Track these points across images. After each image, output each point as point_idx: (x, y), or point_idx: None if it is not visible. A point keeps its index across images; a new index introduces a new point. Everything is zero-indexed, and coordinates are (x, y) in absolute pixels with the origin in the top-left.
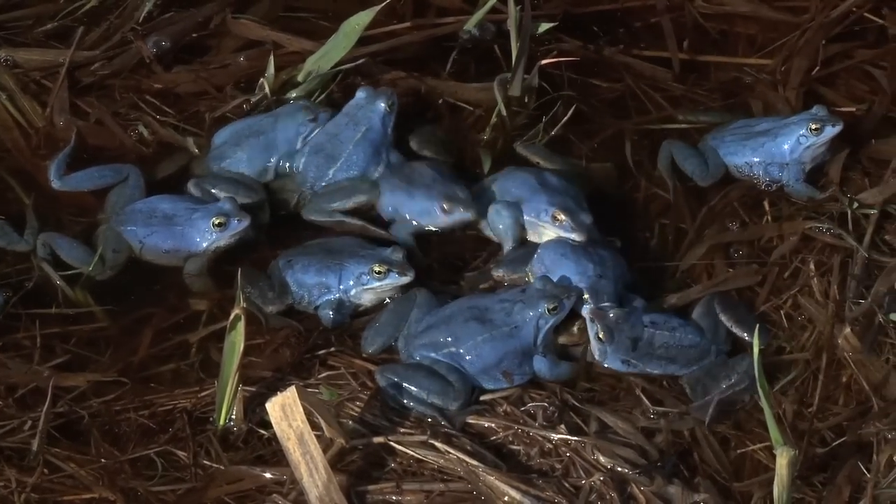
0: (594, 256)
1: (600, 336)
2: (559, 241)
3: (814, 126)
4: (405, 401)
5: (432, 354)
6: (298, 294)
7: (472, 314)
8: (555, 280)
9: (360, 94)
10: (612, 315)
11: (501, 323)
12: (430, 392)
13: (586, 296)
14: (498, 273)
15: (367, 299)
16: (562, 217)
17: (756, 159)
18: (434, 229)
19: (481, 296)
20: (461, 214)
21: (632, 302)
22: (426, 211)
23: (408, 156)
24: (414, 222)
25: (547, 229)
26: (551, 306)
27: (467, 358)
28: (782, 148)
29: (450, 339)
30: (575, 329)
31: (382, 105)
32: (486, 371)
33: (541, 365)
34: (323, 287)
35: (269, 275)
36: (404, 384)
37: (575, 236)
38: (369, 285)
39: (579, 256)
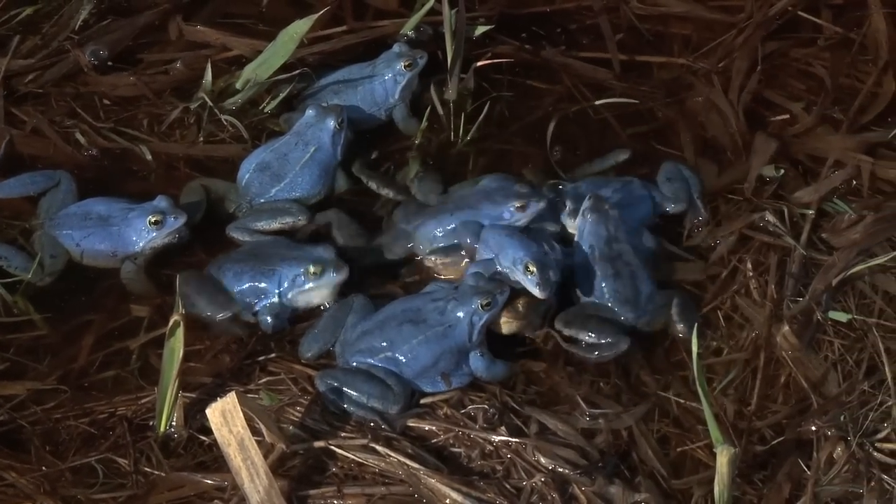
0: (538, 239)
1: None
2: (502, 225)
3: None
4: (345, 405)
5: (369, 360)
6: (236, 302)
7: (405, 317)
8: (503, 258)
9: (310, 113)
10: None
11: (435, 323)
12: (369, 396)
13: (532, 268)
14: (430, 259)
15: (304, 301)
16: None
17: None
18: None
19: (414, 297)
20: (536, 206)
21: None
22: (499, 217)
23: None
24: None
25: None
26: (484, 301)
27: (403, 362)
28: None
29: (384, 344)
30: (520, 307)
31: (332, 123)
32: (424, 373)
33: (477, 363)
34: (259, 293)
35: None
36: (344, 389)
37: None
38: (306, 286)
39: (523, 237)
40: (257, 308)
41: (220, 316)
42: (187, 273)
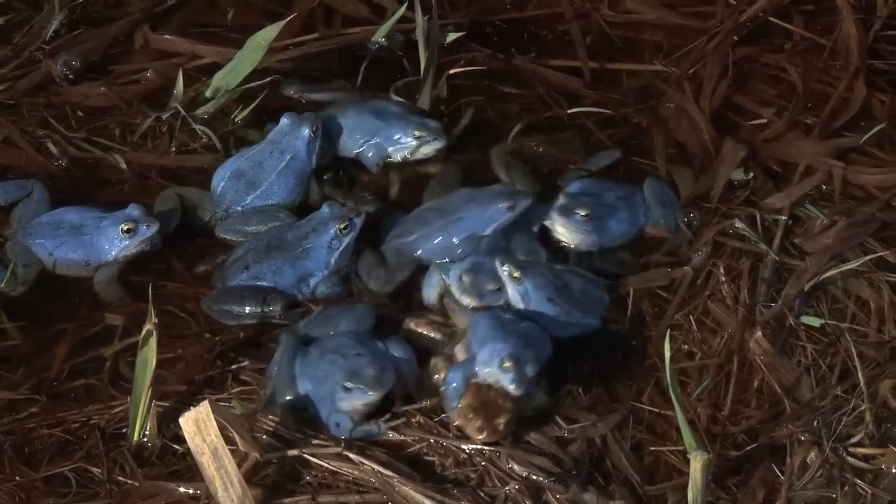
0: (520, 333)
1: (514, 275)
2: (489, 315)
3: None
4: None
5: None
6: (292, 291)
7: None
8: (482, 351)
9: (285, 121)
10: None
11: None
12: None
13: (508, 364)
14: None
15: (343, 261)
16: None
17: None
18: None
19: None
20: (433, 143)
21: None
22: (398, 139)
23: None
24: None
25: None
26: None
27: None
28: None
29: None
30: (500, 427)
31: (307, 131)
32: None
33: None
34: (307, 277)
35: (242, 285)
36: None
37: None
38: (343, 245)
39: (505, 332)
40: (316, 288)
41: (277, 307)
42: (211, 295)
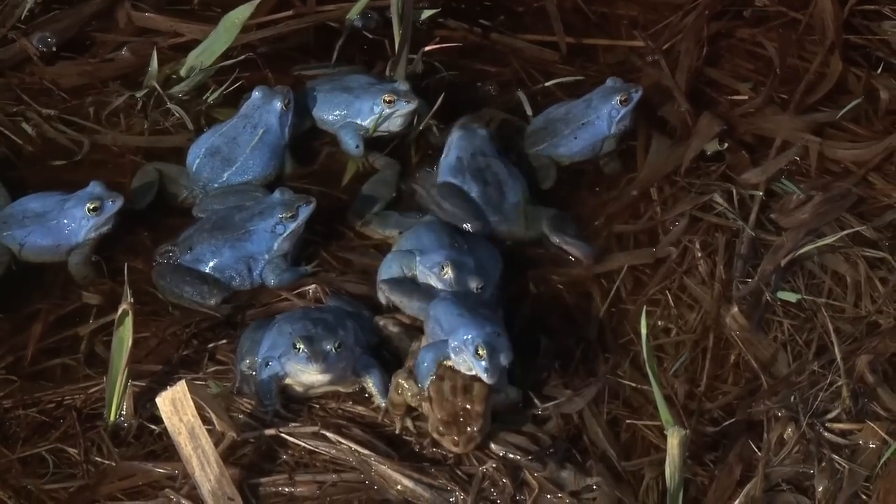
0: (491, 317)
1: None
2: (451, 300)
3: (623, 98)
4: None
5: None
6: (228, 277)
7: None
8: (453, 337)
9: (256, 94)
10: None
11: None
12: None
13: (483, 352)
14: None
15: (287, 246)
16: (448, 273)
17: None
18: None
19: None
20: (405, 106)
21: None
22: (369, 110)
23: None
24: (359, 122)
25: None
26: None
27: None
28: (601, 128)
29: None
30: (476, 434)
31: (279, 104)
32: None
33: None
34: (248, 260)
35: (188, 269)
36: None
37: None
38: (288, 231)
39: (475, 316)
40: (262, 275)
41: (213, 302)
42: (161, 267)
